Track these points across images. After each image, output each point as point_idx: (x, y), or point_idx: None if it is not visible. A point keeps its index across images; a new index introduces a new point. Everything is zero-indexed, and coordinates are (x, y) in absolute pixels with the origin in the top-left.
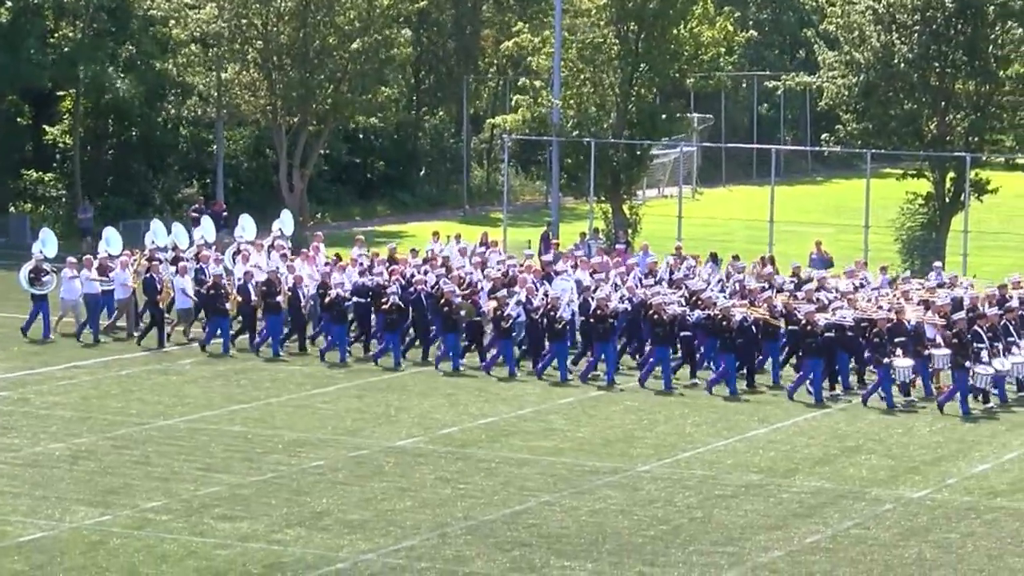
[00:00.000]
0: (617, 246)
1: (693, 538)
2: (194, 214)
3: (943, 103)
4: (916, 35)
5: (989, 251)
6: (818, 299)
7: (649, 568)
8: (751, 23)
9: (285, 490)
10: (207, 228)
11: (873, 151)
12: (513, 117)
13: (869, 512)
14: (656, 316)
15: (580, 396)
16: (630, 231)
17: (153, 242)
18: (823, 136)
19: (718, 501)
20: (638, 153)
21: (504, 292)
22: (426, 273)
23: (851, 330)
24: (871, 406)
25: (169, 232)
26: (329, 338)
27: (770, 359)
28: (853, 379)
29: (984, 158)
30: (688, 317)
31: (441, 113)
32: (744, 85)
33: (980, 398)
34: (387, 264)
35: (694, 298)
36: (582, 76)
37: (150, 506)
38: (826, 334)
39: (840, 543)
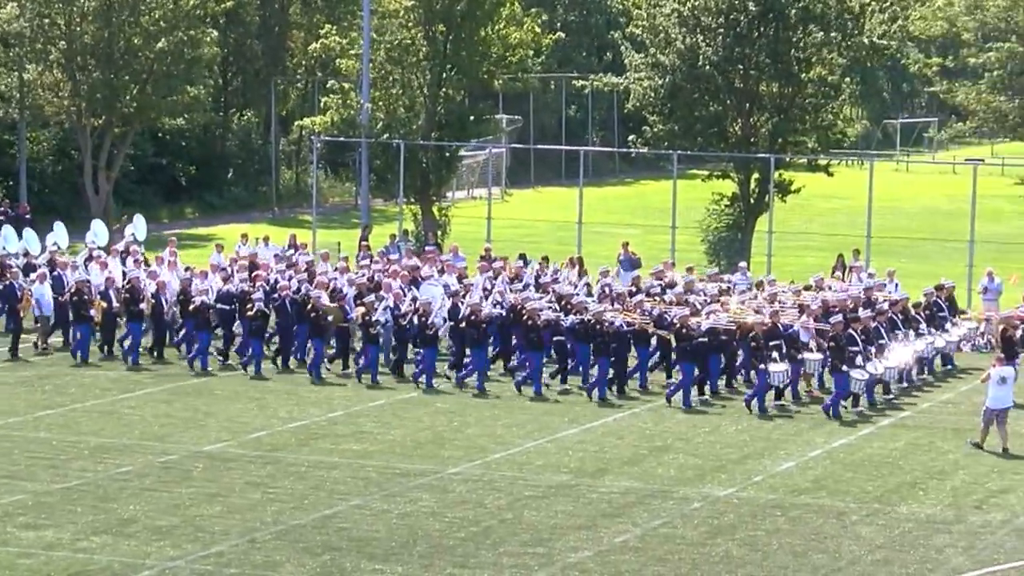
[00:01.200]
0: (427, 248)
1: (503, 539)
2: None
3: (747, 105)
4: (720, 38)
5: (793, 251)
6: (690, 302)
7: (459, 570)
8: (559, 25)
9: (91, 497)
10: (59, 234)
11: (679, 152)
12: (322, 119)
13: (677, 511)
14: (530, 321)
15: (390, 398)
16: (439, 232)
17: (3, 248)
18: (630, 138)
19: (528, 502)
20: (447, 155)
21: (373, 298)
22: (290, 279)
23: (725, 334)
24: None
25: (20, 238)
26: (195, 345)
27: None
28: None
29: (787, 159)
30: (562, 322)
31: (249, 114)
32: (552, 86)
33: (851, 401)
34: (248, 270)
35: (564, 303)
36: (391, 77)
37: None
38: (700, 339)
39: (649, 542)
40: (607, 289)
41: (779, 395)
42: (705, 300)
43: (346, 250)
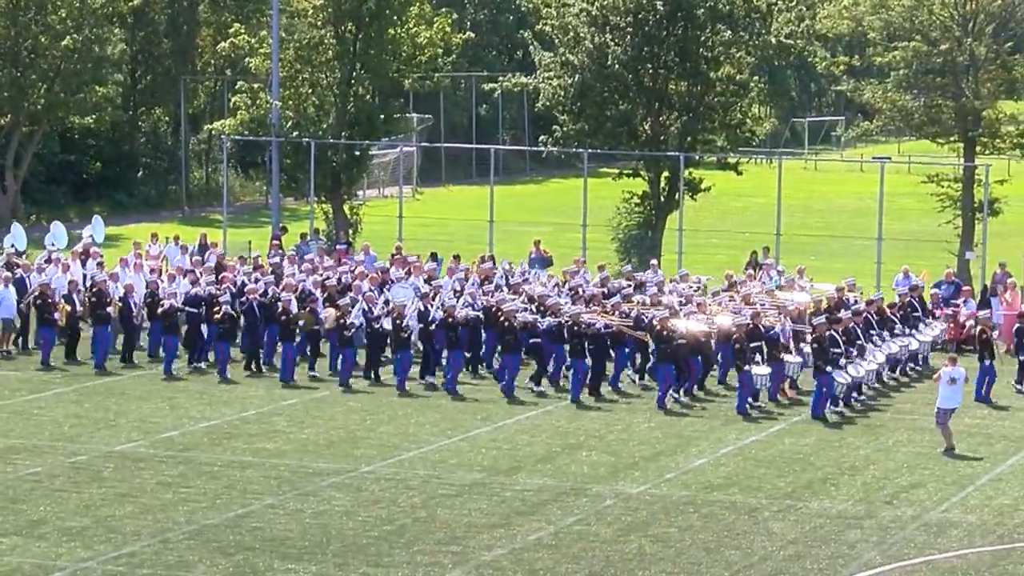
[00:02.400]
0: (338, 247)
1: (417, 538)
2: None
3: (657, 104)
4: (629, 37)
5: (703, 249)
6: (665, 303)
7: (373, 569)
8: (468, 24)
9: (0, 498)
10: (17, 236)
11: (590, 151)
12: (232, 121)
13: (590, 508)
14: (506, 323)
15: (303, 397)
16: (351, 231)
17: None
18: (540, 137)
19: (442, 500)
20: (357, 153)
21: (347, 300)
22: (257, 281)
23: (704, 336)
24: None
25: None
26: (164, 349)
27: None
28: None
29: (697, 157)
30: (539, 324)
31: (159, 112)
32: (463, 85)
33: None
34: (215, 272)
35: (538, 304)
36: (300, 76)
37: None
38: (679, 341)
39: (563, 539)
40: (581, 290)
41: (756, 396)
42: (681, 301)
43: (257, 249)
